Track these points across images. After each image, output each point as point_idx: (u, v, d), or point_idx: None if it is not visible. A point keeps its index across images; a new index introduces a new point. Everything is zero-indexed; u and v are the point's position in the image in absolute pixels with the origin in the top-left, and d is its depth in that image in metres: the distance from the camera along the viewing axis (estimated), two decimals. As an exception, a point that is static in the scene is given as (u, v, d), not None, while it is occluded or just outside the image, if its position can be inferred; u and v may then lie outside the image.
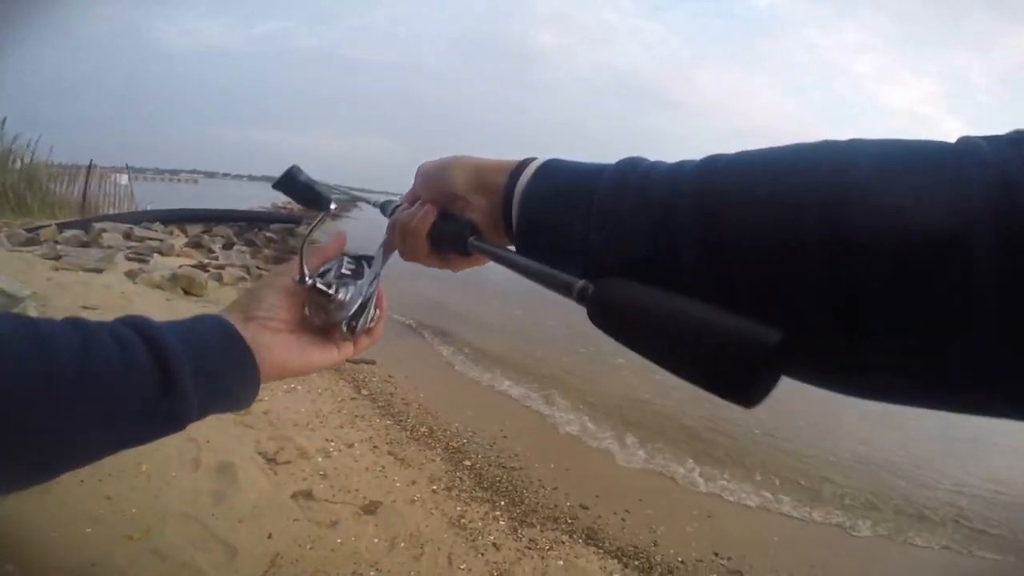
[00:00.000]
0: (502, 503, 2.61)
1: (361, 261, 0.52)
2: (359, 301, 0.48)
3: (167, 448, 2.30)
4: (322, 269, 0.49)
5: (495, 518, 2.45)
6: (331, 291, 0.46)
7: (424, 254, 0.47)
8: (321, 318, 0.47)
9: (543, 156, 0.42)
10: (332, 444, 2.81)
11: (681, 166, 0.33)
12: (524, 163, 0.42)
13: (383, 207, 0.58)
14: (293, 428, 2.88)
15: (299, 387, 3.46)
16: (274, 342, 0.44)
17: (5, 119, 10.22)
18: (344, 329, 0.47)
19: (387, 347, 4.88)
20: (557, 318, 6.93)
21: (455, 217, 0.45)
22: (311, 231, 0.48)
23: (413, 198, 0.50)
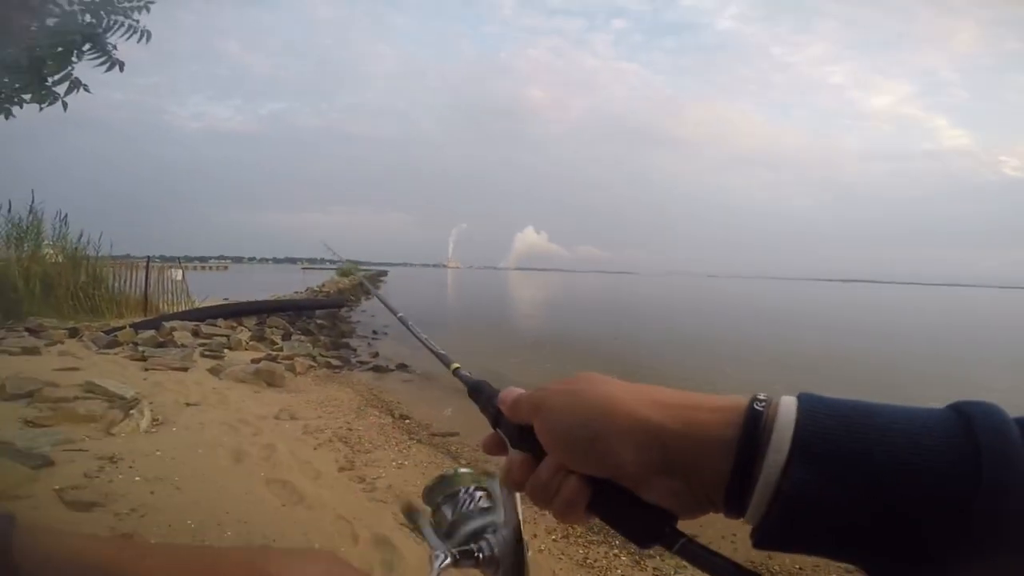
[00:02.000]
0: (617, 542, 2.91)
1: (440, 505, 0.46)
2: (511, 556, 0.42)
3: (327, 526, 2.67)
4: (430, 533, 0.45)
5: (615, 555, 2.78)
6: (477, 555, 0.43)
7: (581, 522, 0.38)
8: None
9: (769, 395, 0.32)
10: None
11: None
12: (754, 429, 0.30)
13: (477, 390, 0.48)
14: (418, 499, 3.21)
15: (406, 463, 3.83)
16: None
17: (67, 215, 10.50)
18: None
19: (464, 418, 5.25)
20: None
21: (627, 495, 0.35)
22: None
23: (519, 416, 0.40)
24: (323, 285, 25.13)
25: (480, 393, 0.47)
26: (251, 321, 10.97)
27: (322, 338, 10.00)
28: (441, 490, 0.49)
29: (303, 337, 9.88)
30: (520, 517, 0.42)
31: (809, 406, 0.30)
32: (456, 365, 0.54)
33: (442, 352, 0.58)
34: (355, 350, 9.49)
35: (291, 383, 6.30)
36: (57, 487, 2.59)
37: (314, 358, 7.94)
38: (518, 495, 0.42)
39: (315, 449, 3.91)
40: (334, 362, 7.94)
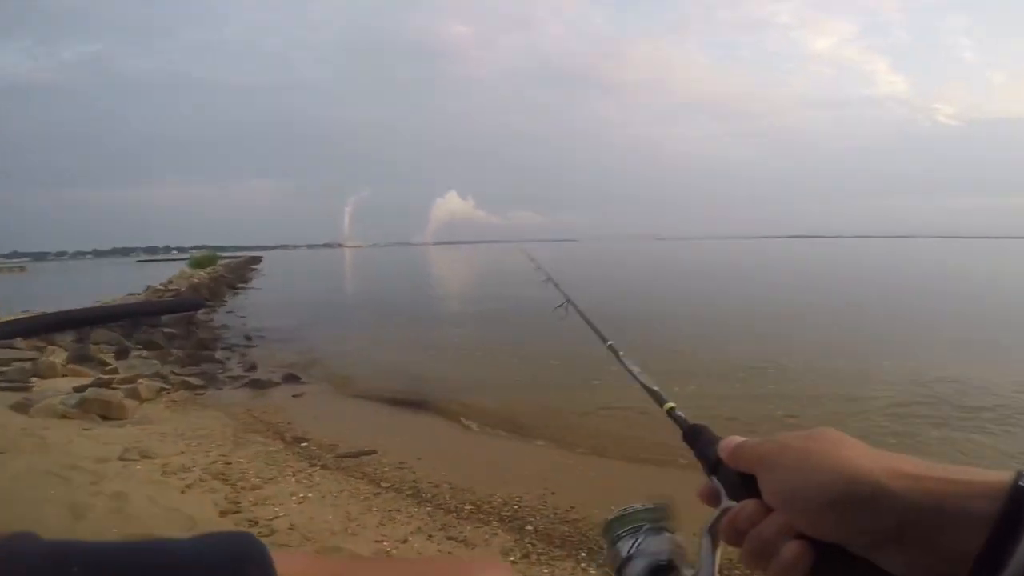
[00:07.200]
0: (583, 555, 2.65)
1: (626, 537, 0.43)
2: None
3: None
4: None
5: (583, 570, 2.52)
6: None
7: None
8: None
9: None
10: (386, 543, 2.71)
11: None
12: (1020, 505, 0.28)
13: (695, 435, 0.44)
14: (333, 537, 2.74)
15: (310, 495, 3.18)
16: None
17: None
18: None
19: (381, 432, 4.63)
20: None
21: (862, 563, 0.32)
22: None
23: (740, 465, 0.38)
24: (170, 282, 21.30)
25: (698, 438, 0.43)
26: (67, 338, 8.88)
27: (174, 351, 8.32)
28: (622, 524, 0.44)
29: (146, 352, 8.19)
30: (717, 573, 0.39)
31: None
32: (671, 405, 0.49)
33: (656, 388, 0.53)
34: (223, 363, 7.84)
35: (136, 413, 5.11)
36: None
37: (165, 378, 6.54)
38: (719, 549, 0.39)
39: (183, 493, 3.10)
40: (194, 381, 6.56)
